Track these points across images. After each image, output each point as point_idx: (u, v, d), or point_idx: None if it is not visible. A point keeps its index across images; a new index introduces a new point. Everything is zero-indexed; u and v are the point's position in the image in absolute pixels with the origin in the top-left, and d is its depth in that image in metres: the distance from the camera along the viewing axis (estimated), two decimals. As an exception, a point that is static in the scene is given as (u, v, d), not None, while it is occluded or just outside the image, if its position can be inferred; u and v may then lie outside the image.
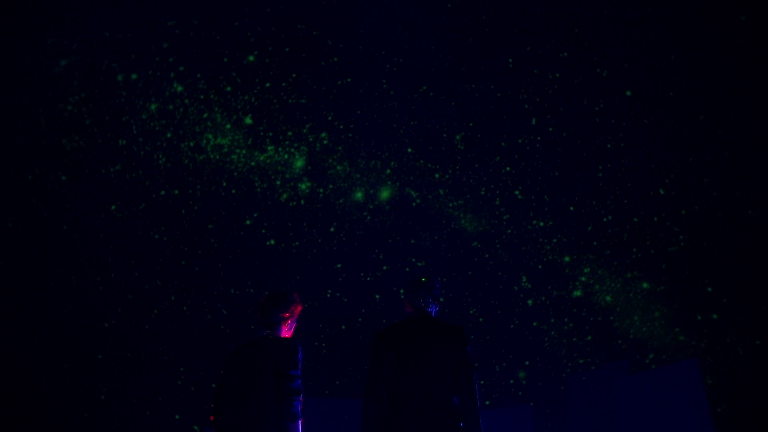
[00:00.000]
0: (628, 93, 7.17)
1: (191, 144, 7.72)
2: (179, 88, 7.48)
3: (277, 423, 3.99)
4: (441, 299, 4.39)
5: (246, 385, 4.07)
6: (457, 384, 3.95)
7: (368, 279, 8.30)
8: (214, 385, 6.80)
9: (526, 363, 7.87)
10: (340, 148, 8.06)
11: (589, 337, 7.72)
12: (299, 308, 4.36)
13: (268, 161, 8.03)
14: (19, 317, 7.32)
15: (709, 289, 6.90)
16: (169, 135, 7.61)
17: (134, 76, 7.32)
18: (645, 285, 7.46)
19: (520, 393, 7.77)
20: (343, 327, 8.05)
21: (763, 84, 6.27)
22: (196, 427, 7.29)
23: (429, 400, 3.89)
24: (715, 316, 6.77)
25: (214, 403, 4.19)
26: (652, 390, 6.71)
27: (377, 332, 4.27)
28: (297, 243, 8.28)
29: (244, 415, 3.99)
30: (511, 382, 7.82)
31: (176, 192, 7.90)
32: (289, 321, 4.32)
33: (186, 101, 7.55)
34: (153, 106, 7.47)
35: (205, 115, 7.59)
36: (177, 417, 7.38)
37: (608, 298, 7.70)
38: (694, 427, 6.21)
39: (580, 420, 7.38)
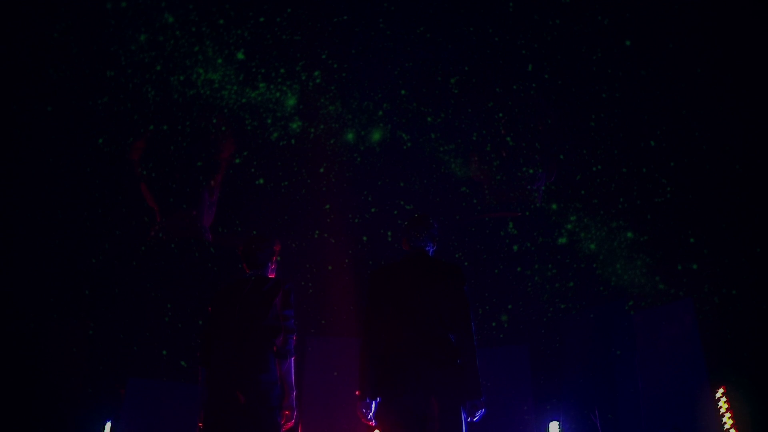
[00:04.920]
0: (628, 43, 7.13)
1: (181, 78, 7.49)
2: (170, 19, 7.20)
3: (273, 359, 4.11)
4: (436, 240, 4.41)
5: (241, 323, 4.14)
6: (453, 322, 4.02)
7: (356, 221, 8.33)
8: (201, 323, 6.86)
9: (509, 307, 8.03)
10: (333, 87, 7.91)
11: (572, 284, 7.89)
12: (279, 247, 4.47)
13: (260, 98, 7.86)
14: (3, 252, 7.22)
15: (692, 240, 7.07)
16: (158, 68, 7.35)
17: (123, 4, 7.02)
18: (629, 234, 7.60)
19: (501, 335, 7.96)
20: (330, 268, 8.10)
21: (762, 40, 6.29)
22: (183, 363, 7.37)
23: (426, 338, 3.95)
24: (695, 267, 6.95)
25: (204, 341, 4.24)
26: (648, 330, 6.92)
27: (373, 271, 4.30)
28: (286, 183, 8.23)
29: (241, 352, 4.07)
30: (493, 324, 7.99)
31: (165, 127, 7.74)
32: (274, 258, 4.42)
33: (177, 33, 7.27)
34: (142, 37, 7.19)
35: (197, 48, 7.34)
36: (164, 353, 7.45)
37: (592, 246, 7.83)
38: (687, 365, 6.46)
39: (575, 359, 7.58)
